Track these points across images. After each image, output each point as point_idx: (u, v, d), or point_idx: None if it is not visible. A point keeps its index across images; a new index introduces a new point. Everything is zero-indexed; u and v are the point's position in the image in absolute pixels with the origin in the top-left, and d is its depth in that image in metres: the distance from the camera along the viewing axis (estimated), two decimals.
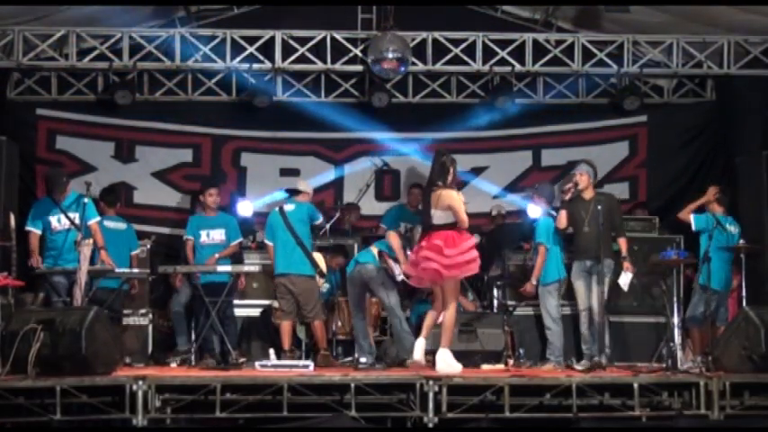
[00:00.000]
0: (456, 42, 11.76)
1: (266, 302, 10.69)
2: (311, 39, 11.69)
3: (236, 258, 10.61)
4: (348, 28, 11.87)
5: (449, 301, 8.65)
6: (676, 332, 9.59)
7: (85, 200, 9.27)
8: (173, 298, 10.62)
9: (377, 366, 9.28)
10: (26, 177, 12.00)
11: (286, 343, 9.85)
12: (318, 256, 10.16)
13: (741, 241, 9.75)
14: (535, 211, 10.48)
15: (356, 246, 11.22)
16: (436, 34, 11.75)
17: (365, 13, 12.08)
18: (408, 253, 9.33)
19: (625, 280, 9.31)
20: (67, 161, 12.37)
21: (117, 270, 9.70)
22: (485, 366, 9.45)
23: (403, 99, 12.91)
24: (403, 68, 11.59)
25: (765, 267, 10.61)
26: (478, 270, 8.94)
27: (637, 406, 8.05)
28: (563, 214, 9.57)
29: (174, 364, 9.97)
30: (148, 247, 10.94)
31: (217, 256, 10.27)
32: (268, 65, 11.71)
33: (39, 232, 9.44)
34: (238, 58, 11.62)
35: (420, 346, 8.69)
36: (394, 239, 9.64)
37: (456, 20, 12.19)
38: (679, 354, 9.12)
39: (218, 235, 10.42)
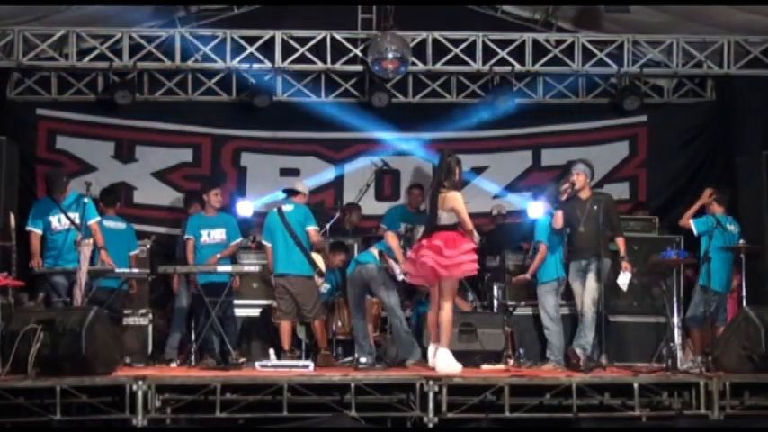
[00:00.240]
0: (456, 42, 11.76)
1: (266, 302, 10.69)
2: (311, 39, 11.70)
3: (233, 259, 10.61)
4: (348, 28, 11.87)
5: (445, 301, 8.66)
6: (676, 332, 9.59)
7: (85, 200, 9.27)
8: (173, 300, 10.61)
9: (377, 366, 9.28)
10: (26, 177, 12.00)
11: (286, 343, 9.85)
12: (317, 256, 10.16)
13: (741, 241, 9.74)
14: (535, 210, 10.48)
15: (356, 246, 11.22)
16: (436, 34, 11.75)
17: (365, 13, 12.08)
18: (408, 252, 9.34)
19: (624, 280, 9.30)
20: (67, 161, 12.38)
21: (117, 270, 9.71)
22: (485, 366, 9.45)
23: (403, 99, 12.92)
24: (403, 68, 11.59)
25: (765, 267, 10.62)
26: (476, 271, 8.97)
27: (637, 406, 8.05)
28: (558, 214, 9.57)
29: (174, 364, 9.97)
30: (148, 247, 10.94)
31: (218, 256, 10.27)
32: (268, 65, 11.71)
33: (40, 232, 9.44)
34: (238, 58, 11.62)
35: (433, 351, 8.74)
36: (392, 240, 9.65)
37: (456, 20, 12.19)
38: (679, 354, 9.12)
39: (218, 234, 10.43)
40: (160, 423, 7.77)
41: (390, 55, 11.34)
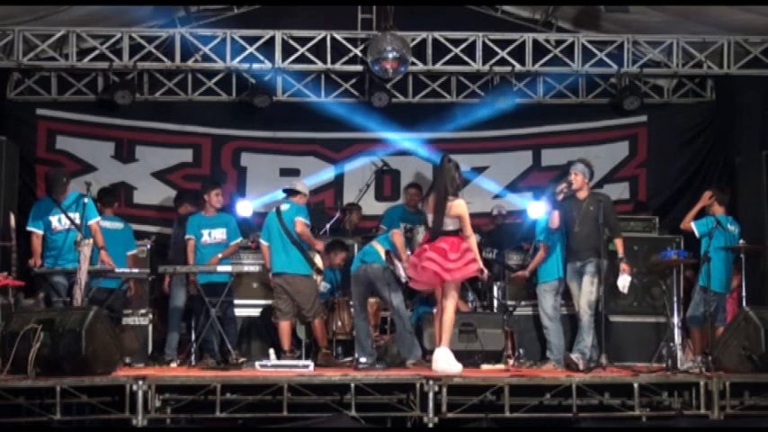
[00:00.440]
0: (456, 42, 11.76)
1: (266, 302, 10.69)
2: (311, 39, 11.70)
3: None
4: (348, 28, 11.88)
5: (448, 301, 8.69)
6: (676, 332, 9.57)
7: (85, 200, 9.27)
8: (169, 300, 10.60)
9: (377, 366, 9.28)
10: (26, 177, 12.01)
11: (285, 343, 9.85)
12: (316, 255, 10.16)
13: (741, 241, 9.74)
14: (536, 210, 10.48)
15: (356, 246, 11.22)
16: (436, 34, 11.76)
17: (365, 13, 12.09)
18: (408, 254, 9.35)
19: (623, 282, 9.27)
20: (67, 161, 12.38)
21: (117, 270, 9.71)
22: (485, 366, 9.46)
23: (403, 99, 12.92)
24: (403, 68, 11.59)
25: (765, 267, 10.62)
26: (478, 271, 8.97)
27: (637, 406, 8.05)
28: (555, 214, 9.56)
29: (174, 364, 9.97)
30: (148, 247, 10.94)
31: (220, 255, 10.27)
32: (268, 65, 11.71)
33: (40, 233, 9.43)
34: (238, 58, 11.62)
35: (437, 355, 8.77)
36: (398, 238, 9.66)
37: (456, 20, 12.19)
38: (679, 354, 9.10)
39: (219, 234, 10.43)
40: (160, 423, 7.77)
41: (390, 55, 11.34)
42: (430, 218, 8.80)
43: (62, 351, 7.70)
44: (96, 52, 11.53)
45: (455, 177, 8.83)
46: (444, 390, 7.79)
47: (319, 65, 11.81)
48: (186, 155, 12.94)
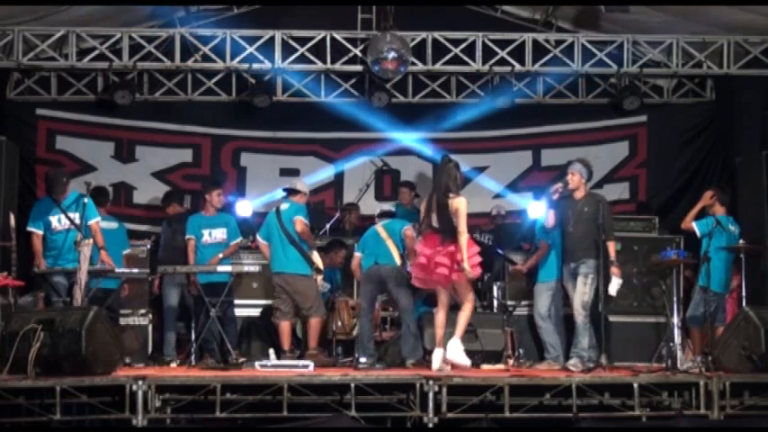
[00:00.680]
0: (456, 42, 11.77)
1: (266, 302, 10.69)
2: (311, 39, 11.71)
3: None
4: (348, 28, 11.88)
5: (467, 302, 8.90)
6: (676, 332, 9.57)
7: (85, 200, 9.26)
8: (162, 300, 10.58)
9: (377, 366, 9.29)
10: (26, 177, 12.01)
11: (286, 343, 9.84)
12: (315, 255, 10.16)
13: (741, 241, 9.74)
14: (536, 210, 10.47)
15: (356, 246, 11.22)
16: (436, 34, 11.76)
17: (365, 13, 12.09)
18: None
19: (614, 287, 9.23)
20: (67, 161, 12.38)
21: (117, 270, 9.71)
22: (485, 366, 9.46)
23: (403, 99, 12.92)
24: (403, 68, 11.60)
25: (765, 267, 10.62)
26: (480, 275, 9.16)
27: (637, 406, 8.05)
28: (550, 214, 9.56)
29: (174, 364, 9.97)
30: (148, 247, 10.93)
31: (220, 255, 10.28)
32: (268, 65, 11.71)
33: (41, 233, 9.41)
34: (238, 58, 11.63)
35: (438, 355, 8.85)
36: (410, 238, 9.66)
37: (456, 20, 12.20)
38: (679, 354, 9.10)
39: (220, 234, 10.43)
40: (160, 423, 7.76)
41: (390, 55, 11.34)
42: (434, 218, 8.84)
43: (62, 351, 7.69)
44: (96, 52, 11.54)
45: (456, 177, 8.91)
46: (444, 390, 7.79)
47: (319, 65, 11.81)
48: (186, 155, 12.94)
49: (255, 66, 11.76)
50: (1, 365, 7.72)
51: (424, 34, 11.75)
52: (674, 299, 9.70)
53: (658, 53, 11.93)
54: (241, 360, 9.68)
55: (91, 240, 9.10)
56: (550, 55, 11.86)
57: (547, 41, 11.92)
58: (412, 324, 9.66)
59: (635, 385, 8.06)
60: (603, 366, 8.81)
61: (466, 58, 11.80)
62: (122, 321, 10.31)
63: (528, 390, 8.08)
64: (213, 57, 11.62)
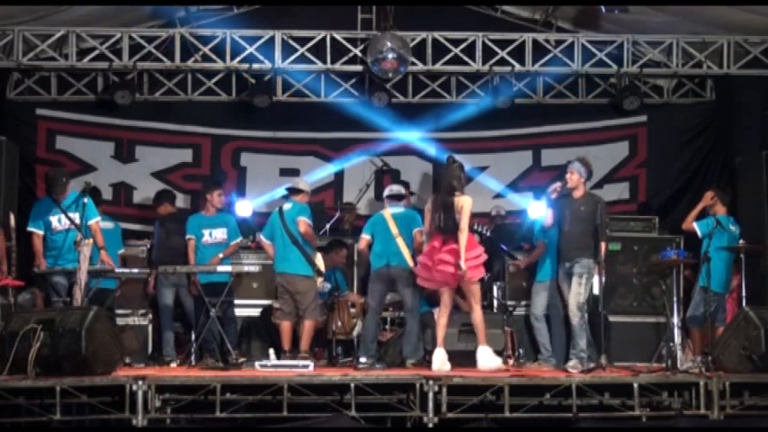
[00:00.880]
0: (456, 42, 11.77)
1: (266, 302, 10.69)
2: (311, 39, 11.71)
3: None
4: (348, 28, 11.88)
5: (475, 303, 9.03)
6: (676, 332, 9.57)
7: (85, 200, 9.26)
8: (157, 300, 10.56)
9: (377, 366, 9.28)
10: (26, 177, 12.00)
11: (286, 343, 9.83)
12: (318, 257, 10.15)
13: (741, 241, 9.74)
14: (536, 210, 10.47)
15: (355, 245, 11.23)
16: (436, 34, 11.76)
17: (365, 13, 12.09)
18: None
19: (596, 286, 9.21)
20: (67, 161, 12.37)
21: (117, 270, 9.70)
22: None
23: (403, 99, 12.92)
24: (403, 68, 11.60)
25: (765, 267, 10.62)
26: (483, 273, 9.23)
27: (637, 406, 8.05)
28: (549, 213, 9.56)
29: (174, 364, 9.97)
30: (148, 247, 10.93)
31: (221, 255, 10.28)
32: (268, 65, 11.71)
33: (41, 233, 9.42)
34: (238, 58, 11.63)
35: (440, 355, 8.90)
36: (419, 244, 9.66)
37: (456, 20, 12.19)
38: (679, 354, 9.10)
39: (220, 234, 10.44)
40: (160, 423, 7.77)
41: (390, 55, 11.34)
42: (438, 218, 8.87)
43: (62, 351, 7.70)
44: (96, 52, 11.53)
45: (461, 177, 9.05)
46: (444, 390, 7.80)
47: (319, 65, 11.81)
48: (186, 155, 12.93)
49: (255, 66, 11.76)
50: (1, 365, 7.72)
51: (424, 34, 11.75)
52: (674, 299, 9.71)
53: (658, 53, 11.92)
54: (241, 360, 9.68)
55: (91, 240, 9.11)
56: (550, 55, 11.86)
57: (547, 41, 11.92)
58: (416, 324, 9.66)
59: (635, 385, 8.07)
60: (603, 366, 8.80)
61: (466, 58, 11.80)
62: (122, 321, 10.31)
63: (528, 390, 8.09)
64: (213, 57, 11.62)
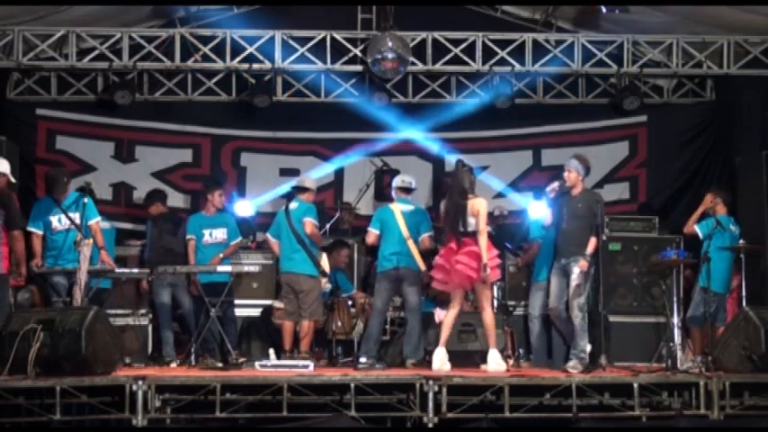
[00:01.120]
0: (456, 42, 11.77)
1: (266, 302, 10.69)
2: (311, 39, 11.70)
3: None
4: (348, 28, 11.88)
5: (487, 305, 9.08)
6: (676, 332, 9.57)
7: (85, 199, 9.27)
8: (154, 299, 10.54)
9: (377, 366, 9.28)
10: (26, 177, 11.98)
11: (287, 343, 9.84)
12: (324, 258, 10.15)
13: (741, 241, 9.74)
14: (536, 210, 10.47)
15: (356, 245, 11.22)
16: (436, 34, 11.76)
17: (365, 13, 12.09)
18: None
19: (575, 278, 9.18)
20: (67, 161, 12.38)
21: (117, 270, 9.70)
22: (485, 366, 9.44)
23: (403, 99, 12.92)
24: (403, 68, 11.60)
25: (765, 267, 10.62)
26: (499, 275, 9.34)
27: (637, 406, 8.06)
28: (548, 212, 9.56)
29: (174, 364, 9.96)
30: (140, 246, 10.93)
31: (221, 255, 10.28)
32: (268, 65, 11.71)
33: (41, 233, 9.42)
34: (238, 58, 11.63)
35: (440, 355, 8.92)
36: (428, 245, 9.70)
37: (456, 20, 12.19)
38: (679, 354, 9.10)
39: (220, 234, 10.45)
40: (160, 423, 7.77)
41: (390, 55, 11.33)
42: (452, 221, 8.97)
43: (62, 351, 7.70)
44: (96, 52, 11.53)
45: (472, 180, 9.14)
46: (444, 390, 7.80)
47: (319, 65, 11.81)
48: (186, 155, 12.94)
49: (255, 66, 11.76)
50: (1, 365, 7.72)
51: (424, 34, 11.75)
52: (674, 299, 9.71)
53: (658, 53, 11.92)
54: (241, 360, 9.68)
55: (91, 240, 9.11)
56: (550, 55, 11.85)
57: (547, 41, 11.92)
58: (417, 324, 9.66)
59: (635, 385, 8.07)
60: (603, 366, 8.80)
61: (466, 58, 11.80)
62: (122, 321, 10.30)
63: (528, 390, 8.09)
64: (213, 57, 11.62)
